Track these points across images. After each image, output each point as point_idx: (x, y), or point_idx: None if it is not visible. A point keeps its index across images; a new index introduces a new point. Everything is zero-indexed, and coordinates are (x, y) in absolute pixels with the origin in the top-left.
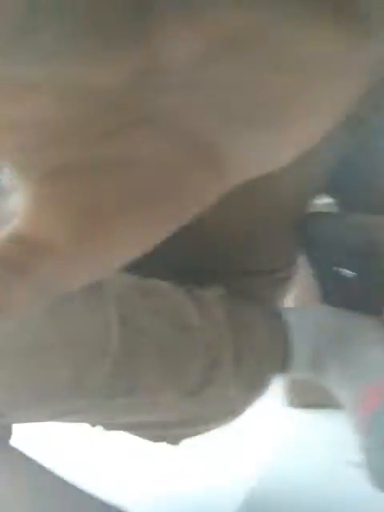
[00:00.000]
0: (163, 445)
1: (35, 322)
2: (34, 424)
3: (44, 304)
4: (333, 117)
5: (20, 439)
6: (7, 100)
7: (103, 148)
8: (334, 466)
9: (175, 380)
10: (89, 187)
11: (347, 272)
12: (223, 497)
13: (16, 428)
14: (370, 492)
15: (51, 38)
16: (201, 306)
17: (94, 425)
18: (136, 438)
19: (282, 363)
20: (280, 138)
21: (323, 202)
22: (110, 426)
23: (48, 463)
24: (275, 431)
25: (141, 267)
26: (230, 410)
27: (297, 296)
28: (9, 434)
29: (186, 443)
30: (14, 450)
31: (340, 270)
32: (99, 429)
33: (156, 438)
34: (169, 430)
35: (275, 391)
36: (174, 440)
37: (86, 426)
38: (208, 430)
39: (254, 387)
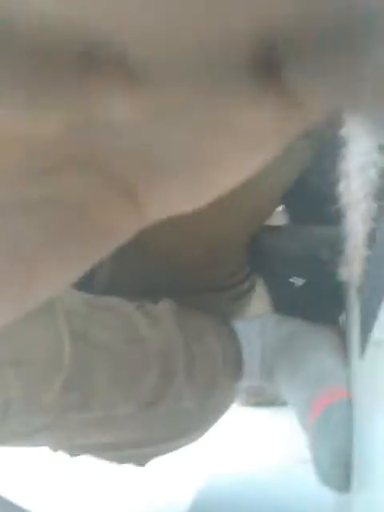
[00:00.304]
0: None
1: None
2: None
3: None
4: (256, 168)
5: None
6: None
7: (30, 190)
8: (288, 464)
9: (129, 393)
10: (11, 228)
11: (296, 282)
12: (174, 497)
13: None
14: (322, 490)
15: None
16: (150, 318)
17: (55, 449)
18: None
19: (235, 370)
20: (199, 189)
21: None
22: (72, 450)
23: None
24: (229, 430)
25: (97, 287)
26: (193, 425)
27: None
28: None
29: None
30: None
31: (289, 279)
32: (63, 455)
33: (121, 460)
34: (133, 450)
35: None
36: (142, 460)
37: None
38: (175, 448)
39: (210, 395)
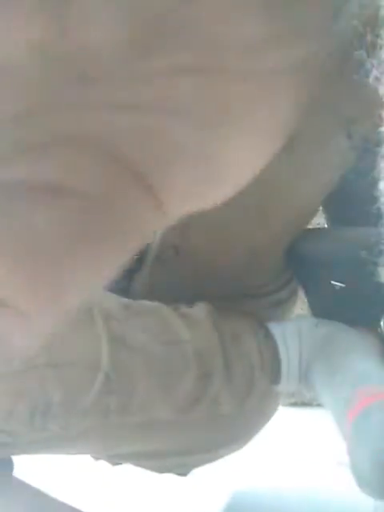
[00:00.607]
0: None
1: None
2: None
3: None
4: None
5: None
6: None
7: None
8: (325, 467)
9: (168, 395)
10: (35, 222)
11: (336, 285)
12: (209, 498)
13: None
14: (361, 494)
15: None
16: (187, 319)
17: (97, 458)
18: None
19: (272, 373)
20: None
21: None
22: (114, 459)
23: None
24: (264, 431)
25: (135, 292)
26: (233, 433)
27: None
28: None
29: None
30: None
31: (329, 283)
32: (104, 463)
33: (163, 469)
34: (174, 459)
35: None
36: (183, 470)
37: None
38: (217, 457)
39: (247, 398)
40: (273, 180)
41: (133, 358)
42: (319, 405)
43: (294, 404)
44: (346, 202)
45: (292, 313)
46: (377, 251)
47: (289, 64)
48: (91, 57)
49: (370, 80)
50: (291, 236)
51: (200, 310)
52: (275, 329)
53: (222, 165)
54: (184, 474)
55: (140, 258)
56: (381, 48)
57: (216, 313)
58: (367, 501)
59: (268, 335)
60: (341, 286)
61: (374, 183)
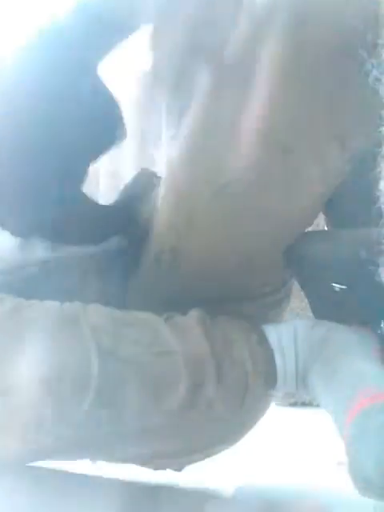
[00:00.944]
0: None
1: (13, 361)
2: None
3: None
4: None
5: None
6: None
7: None
8: (323, 466)
9: (161, 404)
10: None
11: (338, 287)
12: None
13: None
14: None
15: None
16: (178, 330)
17: (94, 461)
18: None
19: (267, 377)
20: None
21: None
22: (111, 461)
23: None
24: (263, 431)
25: (128, 302)
26: (229, 432)
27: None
28: None
29: None
30: None
31: (331, 285)
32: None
33: (158, 466)
34: (171, 459)
35: None
36: (179, 467)
37: None
38: (213, 454)
39: (242, 402)
40: (266, 182)
41: (123, 370)
42: (319, 405)
43: (294, 404)
44: (346, 204)
45: (287, 310)
46: (376, 252)
47: None
48: None
49: (370, 80)
50: (289, 240)
51: (191, 319)
52: (270, 332)
53: None
54: (179, 470)
55: (136, 261)
56: (381, 48)
57: (208, 320)
58: (367, 501)
59: (262, 339)
60: (341, 288)
61: (373, 184)
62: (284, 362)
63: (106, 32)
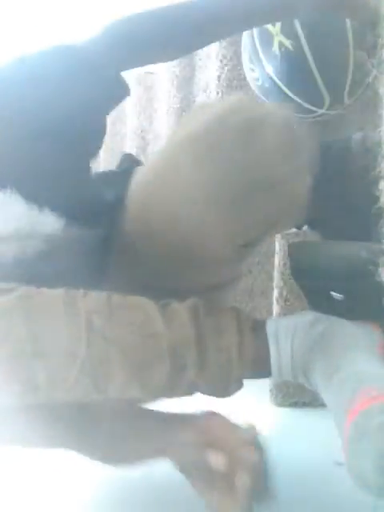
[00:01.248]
0: None
1: (17, 334)
2: None
3: None
4: None
5: None
6: None
7: None
8: (322, 466)
9: (143, 383)
10: None
11: (336, 295)
12: None
13: None
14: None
15: None
16: (168, 315)
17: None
18: None
19: (256, 366)
20: None
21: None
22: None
23: None
24: (262, 430)
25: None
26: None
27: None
28: None
29: None
30: None
31: (329, 293)
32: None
33: None
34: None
35: (262, 390)
36: None
37: None
38: None
39: (225, 386)
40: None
41: (108, 348)
42: (319, 405)
43: (294, 404)
44: (333, 220)
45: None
46: (375, 262)
47: None
48: None
49: (370, 80)
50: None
51: (182, 306)
52: (270, 325)
53: None
54: None
55: (108, 249)
56: (381, 48)
57: (201, 308)
58: (367, 501)
59: (254, 330)
60: (340, 298)
61: (370, 187)
62: (278, 355)
63: None
